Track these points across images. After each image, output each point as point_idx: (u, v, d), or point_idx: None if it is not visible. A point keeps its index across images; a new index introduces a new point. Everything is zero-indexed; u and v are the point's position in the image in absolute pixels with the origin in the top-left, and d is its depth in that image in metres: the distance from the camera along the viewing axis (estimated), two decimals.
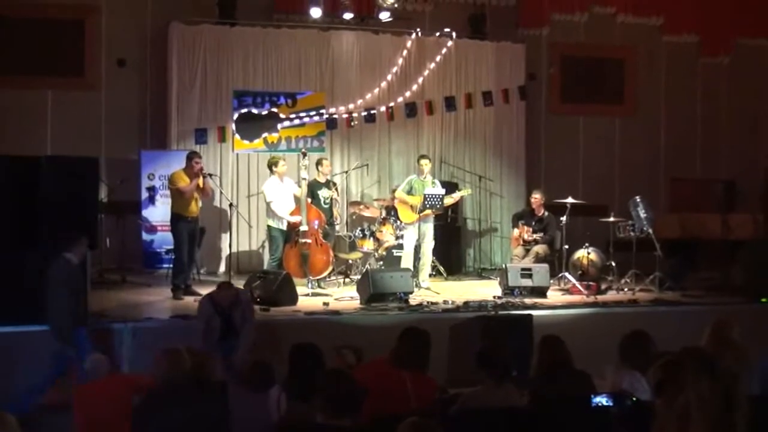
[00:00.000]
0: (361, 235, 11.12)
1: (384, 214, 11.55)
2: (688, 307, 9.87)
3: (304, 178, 10.67)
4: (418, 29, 13.12)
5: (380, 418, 4.36)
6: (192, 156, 10.12)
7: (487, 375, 5.05)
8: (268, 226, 10.87)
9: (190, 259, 10.13)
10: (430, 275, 11.19)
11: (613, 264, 10.99)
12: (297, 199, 10.67)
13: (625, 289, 10.67)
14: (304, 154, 10.97)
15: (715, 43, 14.64)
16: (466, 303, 9.49)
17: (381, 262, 11.16)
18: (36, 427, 6.54)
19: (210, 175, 10.46)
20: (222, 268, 12.06)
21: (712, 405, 2.20)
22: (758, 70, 14.90)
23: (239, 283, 10.03)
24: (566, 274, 10.81)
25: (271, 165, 10.88)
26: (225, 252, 11.94)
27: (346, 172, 12.47)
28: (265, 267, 10.97)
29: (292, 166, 11.38)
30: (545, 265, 10.45)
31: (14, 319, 7.77)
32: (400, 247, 11.13)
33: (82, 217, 8.34)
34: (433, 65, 13.19)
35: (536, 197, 11.50)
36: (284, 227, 10.66)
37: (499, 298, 9.96)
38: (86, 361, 6.13)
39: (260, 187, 11.79)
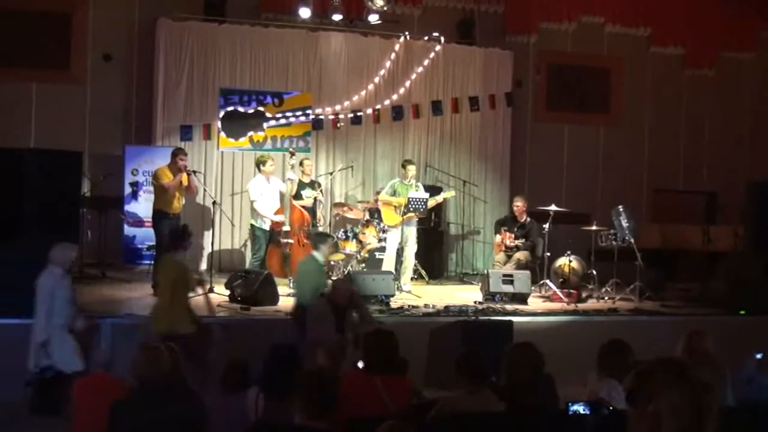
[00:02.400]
0: (344, 237, 11.12)
1: (367, 216, 11.56)
2: (667, 317, 9.93)
3: (290, 179, 10.65)
4: (407, 33, 13.14)
5: (357, 421, 4.36)
6: (177, 152, 10.09)
7: (465, 380, 5.05)
8: (252, 226, 10.85)
9: None
10: (412, 279, 11.19)
11: (594, 272, 11.04)
12: (283, 198, 10.65)
13: (606, 298, 10.72)
14: (292, 154, 10.96)
15: (700, 56, 14.78)
16: (446, 307, 9.51)
17: (363, 264, 11.16)
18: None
19: (194, 172, 10.43)
20: (204, 265, 12.02)
21: (682, 415, 2.20)
22: (741, 83, 15.04)
23: (221, 282, 10.05)
24: (547, 281, 10.84)
25: (259, 164, 10.86)
26: (207, 250, 11.91)
27: (331, 173, 12.46)
28: (247, 266, 10.94)
29: (277, 165, 11.37)
30: (527, 272, 10.47)
31: None
32: (382, 249, 11.14)
33: (64, 210, 8.30)
34: (420, 69, 13.21)
35: (518, 204, 11.53)
36: (267, 227, 10.64)
37: (479, 303, 9.98)
38: (96, 354, 6.10)
39: (245, 186, 11.78)
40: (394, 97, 13.11)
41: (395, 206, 10.82)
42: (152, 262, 10.35)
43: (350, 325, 7.51)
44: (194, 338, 7.14)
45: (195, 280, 7.69)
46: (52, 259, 7.27)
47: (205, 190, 11.51)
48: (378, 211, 11.25)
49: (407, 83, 13.16)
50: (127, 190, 11.83)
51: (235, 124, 12.48)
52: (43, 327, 7.03)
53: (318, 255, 8.51)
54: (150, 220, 10.61)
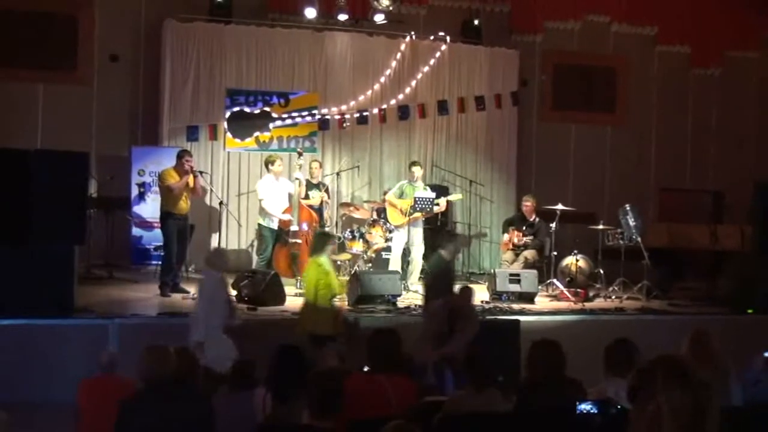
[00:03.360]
0: (350, 237, 11.12)
1: (374, 216, 11.55)
2: (675, 317, 9.92)
3: (298, 178, 10.67)
4: (413, 32, 13.13)
5: (363, 421, 4.36)
6: (183, 154, 10.10)
7: (469, 380, 5.05)
8: (259, 225, 10.86)
9: (179, 256, 10.11)
10: (419, 279, 11.19)
11: (601, 271, 11.02)
12: (292, 198, 10.67)
13: (613, 297, 10.70)
14: (300, 154, 10.98)
15: (706, 55, 14.74)
16: None
17: (370, 264, 11.16)
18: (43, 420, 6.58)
19: (201, 172, 10.45)
20: None
21: (682, 414, 2.20)
22: (747, 82, 15.00)
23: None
24: (554, 280, 10.83)
25: (268, 163, 10.88)
26: None
27: (338, 173, 12.45)
28: (254, 266, 10.95)
29: (285, 165, 11.41)
30: (534, 271, 10.47)
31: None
32: (389, 249, 11.15)
33: (71, 211, 8.32)
34: (426, 69, 13.20)
35: (528, 203, 11.51)
36: (275, 226, 10.65)
37: (486, 302, 9.98)
38: (102, 354, 6.11)
39: (251, 186, 11.81)
40: (400, 96, 13.10)
41: (401, 209, 10.82)
42: (159, 262, 10.39)
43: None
44: (337, 338, 7.34)
45: (340, 283, 7.91)
46: (210, 263, 7.62)
47: (211, 190, 11.53)
48: (384, 210, 11.25)
49: (413, 83, 13.14)
50: (134, 191, 11.85)
51: (242, 125, 12.49)
52: (201, 328, 7.19)
53: (444, 254, 8.69)
54: (156, 220, 10.66)
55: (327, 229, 11.57)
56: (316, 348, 6.98)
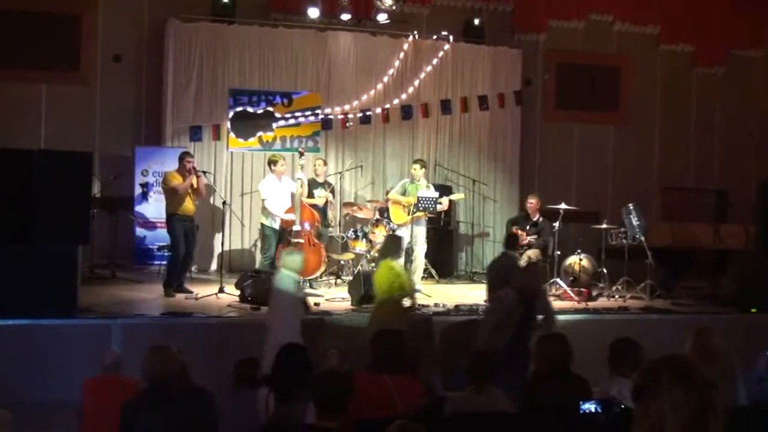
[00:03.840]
0: (353, 236, 11.12)
1: (377, 215, 11.55)
2: (678, 316, 9.90)
3: (300, 178, 10.67)
4: (415, 32, 13.13)
5: (369, 421, 4.35)
6: (183, 156, 10.13)
7: (470, 380, 5.05)
8: (262, 225, 10.87)
9: (186, 258, 10.10)
10: (422, 278, 11.18)
11: (605, 271, 11.01)
12: (294, 198, 10.67)
13: (616, 296, 10.69)
14: (301, 154, 10.98)
15: (710, 54, 14.73)
16: (457, 306, 9.49)
17: (373, 264, 11.14)
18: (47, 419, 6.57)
19: (204, 172, 10.45)
20: (214, 266, 12.05)
21: (686, 413, 2.20)
22: (751, 81, 14.97)
23: (231, 282, 10.05)
24: (558, 279, 10.82)
25: (271, 163, 10.89)
26: (217, 250, 11.93)
27: (341, 173, 12.46)
28: (257, 266, 10.95)
29: (288, 165, 11.42)
30: None
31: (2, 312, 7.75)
32: None
33: (74, 211, 8.33)
34: (429, 68, 13.20)
35: (532, 202, 11.49)
36: (277, 226, 10.66)
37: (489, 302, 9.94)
38: (106, 354, 6.11)
39: (254, 186, 11.82)
40: (403, 96, 13.10)
41: (404, 205, 10.81)
42: (164, 263, 10.40)
43: (537, 323, 7.32)
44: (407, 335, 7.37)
45: (409, 285, 8.15)
46: (286, 265, 7.67)
47: (214, 190, 11.53)
48: (387, 210, 11.25)
49: (416, 82, 13.14)
50: (138, 190, 11.87)
51: (245, 125, 12.49)
52: (285, 331, 7.16)
53: (512, 253, 8.91)
54: (159, 220, 10.67)
55: (330, 229, 11.59)
56: None
